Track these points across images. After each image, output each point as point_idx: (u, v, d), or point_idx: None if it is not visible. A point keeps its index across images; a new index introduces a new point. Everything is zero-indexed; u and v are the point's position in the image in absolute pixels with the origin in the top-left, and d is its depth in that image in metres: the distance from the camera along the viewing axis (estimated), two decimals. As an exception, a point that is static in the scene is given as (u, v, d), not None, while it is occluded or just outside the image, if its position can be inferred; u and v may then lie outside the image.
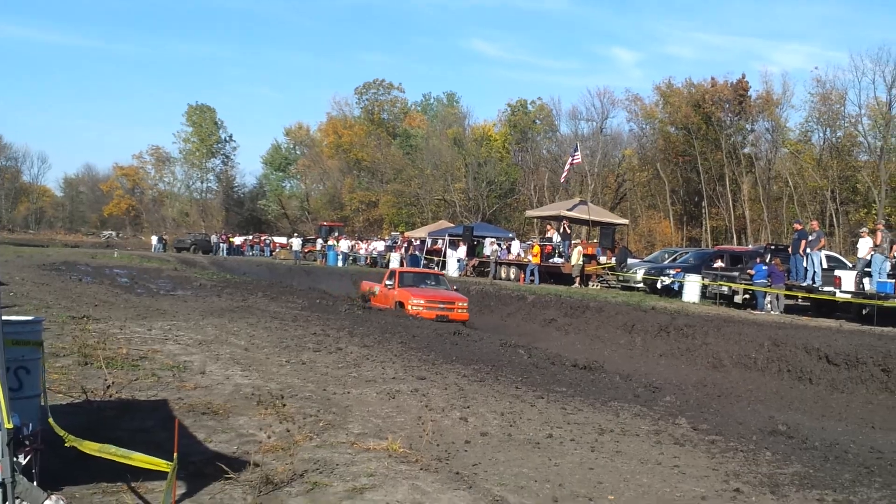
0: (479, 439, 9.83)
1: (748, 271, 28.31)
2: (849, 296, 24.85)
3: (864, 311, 24.15)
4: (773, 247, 31.24)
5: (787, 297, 26.92)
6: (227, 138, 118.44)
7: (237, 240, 78.16)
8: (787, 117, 69.56)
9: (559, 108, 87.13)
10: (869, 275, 24.41)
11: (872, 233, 25.83)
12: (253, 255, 71.27)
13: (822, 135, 58.91)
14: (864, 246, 25.89)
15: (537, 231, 60.85)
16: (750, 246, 42.00)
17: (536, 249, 39.78)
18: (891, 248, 25.12)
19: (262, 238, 78.22)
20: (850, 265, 28.06)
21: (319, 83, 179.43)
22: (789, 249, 28.08)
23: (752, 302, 27.76)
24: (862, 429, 14.35)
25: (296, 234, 73.70)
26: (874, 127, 54.14)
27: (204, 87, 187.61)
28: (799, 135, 60.62)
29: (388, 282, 29.32)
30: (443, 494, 7.37)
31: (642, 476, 8.73)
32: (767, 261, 27.27)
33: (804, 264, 26.72)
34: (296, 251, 64.07)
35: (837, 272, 26.09)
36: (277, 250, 70.74)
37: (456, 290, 29.32)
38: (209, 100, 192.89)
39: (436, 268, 47.44)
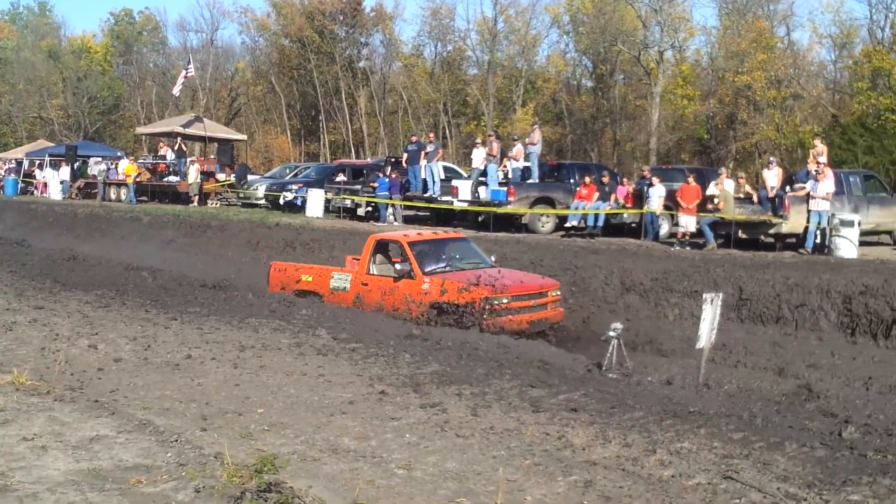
0: (114, 365, 9.52)
1: (370, 184, 29.40)
2: (466, 204, 26.73)
3: (479, 219, 26.15)
4: (393, 159, 32.63)
5: (406, 207, 28.40)
6: None
7: None
8: (401, 31, 72.24)
9: (166, 18, 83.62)
10: (483, 184, 26.39)
11: (487, 144, 27.89)
12: None
13: (433, 49, 61.98)
14: (478, 156, 27.91)
15: (147, 149, 58.60)
16: (370, 159, 43.57)
17: (130, 169, 38.83)
18: (502, 158, 27.34)
19: None
20: (466, 175, 30.10)
21: None
22: (404, 162, 29.46)
23: (374, 214, 28.93)
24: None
25: None
26: (481, 42, 57.88)
27: None
28: (412, 49, 63.29)
29: (398, 266, 15.65)
30: (84, 423, 7.10)
31: (289, 387, 8.97)
32: (388, 173, 28.46)
33: (423, 175, 28.26)
34: None
35: (454, 182, 27.92)
36: None
37: (495, 261, 16.97)
38: None
39: (37, 193, 44.22)
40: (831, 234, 20.53)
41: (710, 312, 10.34)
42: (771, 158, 25.28)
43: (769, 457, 7.01)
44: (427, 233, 18.14)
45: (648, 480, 6.42)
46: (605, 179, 25.60)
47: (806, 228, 21.08)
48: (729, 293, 16.72)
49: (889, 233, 23.85)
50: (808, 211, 21.19)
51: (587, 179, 24.72)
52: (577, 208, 24.58)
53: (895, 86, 39.16)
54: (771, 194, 22.47)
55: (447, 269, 15.84)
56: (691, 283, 17.91)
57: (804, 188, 21.71)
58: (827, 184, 20.99)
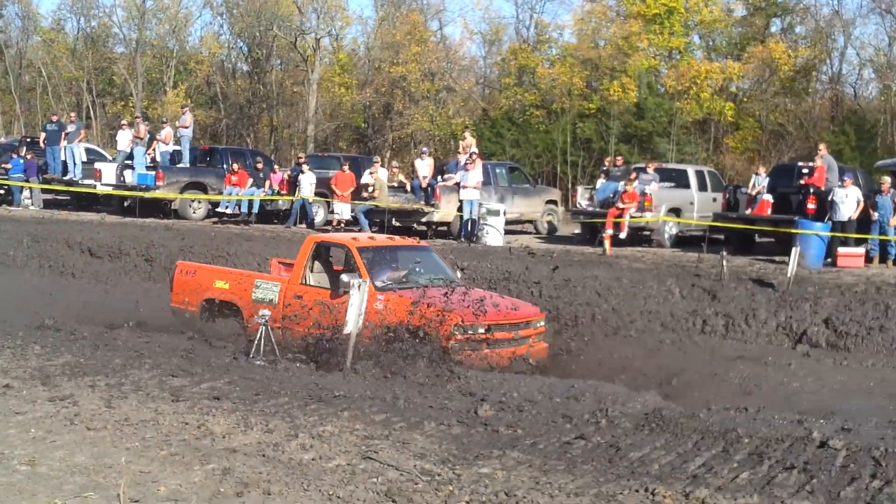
0: None
1: (3, 165, 27.24)
2: (110, 188, 25.56)
3: (126, 204, 25.12)
4: (28, 139, 30.46)
5: (45, 191, 26.69)
6: None
7: None
8: (40, 4, 67.63)
9: None
10: (130, 167, 25.34)
11: (134, 126, 26.87)
12: None
13: (76, 24, 58.55)
14: (124, 138, 26.77)
15: None
16: (3, 139, 40.37)
17: None
18: (151, 141, 26.43)
19: None
20: (111, 157, 28.75)
21: None
22: (42, 143, 27.60)
23: (7, 197, 26.90)
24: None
25: None
26: (129, 19, 55.47)
27: None
28: (52, 23, 59.40)
29: (344, 277, 12.14)
30: None
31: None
32: (23, 154, 26.56)
33: (62, 157, 26.68)
34: None
35: (98, 165, 26.59)
36: None
37: (462, 278, 14.43)
38: None
39: None
40: (479, 222, 21.75)
41: (357, 298, 10.57)
42: (423, 149, 26.33)
43: (408, 436, 7.31)
44: (381, 238, 14.88)
45: (289, 465, 6.47)
46: (260, 165, 25.47)
47: (461, 217, 22.19)
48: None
49: (532, 222, 25.68)
50: (459, 200, 22.33)
51: (235, 166, 24.48)
52: (229, 194, 24.28)
53: (539, 83, 42.14)
54: (423, 184, 23.45)
55: (405, 284, 12.86)
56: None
57: (454, 178, 22.83)
58: (475, 174, 22.19)
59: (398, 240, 14.98)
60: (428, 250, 14.52)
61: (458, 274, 14.05)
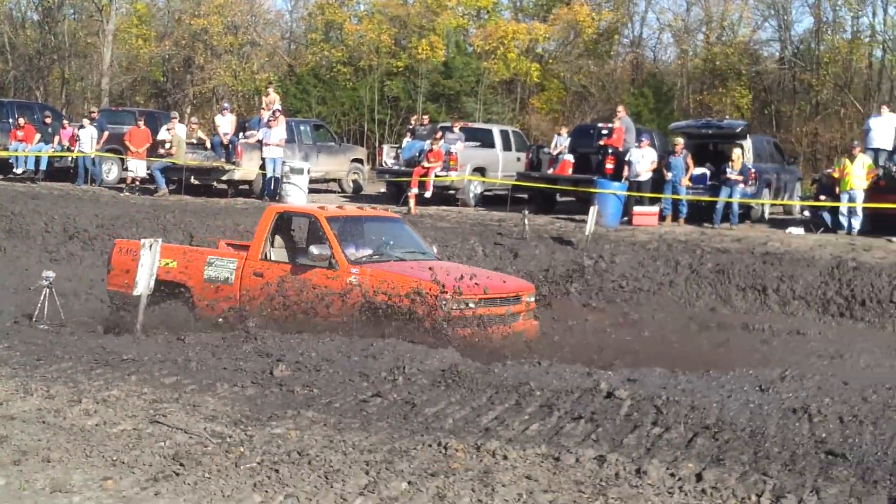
0: None
1: None
2: None
3: None
4: None
5: None
6: None
7: None
8: None
9: None
10: None
11: None
12: None
13: None
14: None
15: None
16: None
17: None
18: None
19: None
20: None
21: None
22: None
23: None
24: None
25: None
26: None
27: None
28: None
29: (314, 250, 11.41)
30: None
31: None
32: None
33: None
34: None
35: None
36: None
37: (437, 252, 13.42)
38: None
39: None
40: (282, 181, 21.46)
41: (149, 258, 10.27)
42: (225, 105, 25.79)
43: (200, 399, 7.19)
44: (350, 208, 13.79)
45: (70, 431, 6.24)
46: (48, 120, 24.24)
47: (264, 175, 21.81)
48: (179, 239, 16.79)
49: (337, 180, 25.58)
50: (262, 158, 21.97)
51: (22, 121, 23.24)
52: (15, 150, 23.03)
53: (347, 39, 41.84)
54: (224, 141, 22.93)
55: (380, 258, 11.86)
56: (140, 230, 17.66)
57: (256, 135, 22.43)
58: (279, 131, 21.86)
59: (368, 210, 14.17)
60: (399, 222, 13.65)
61: (434, 248, 13.14)
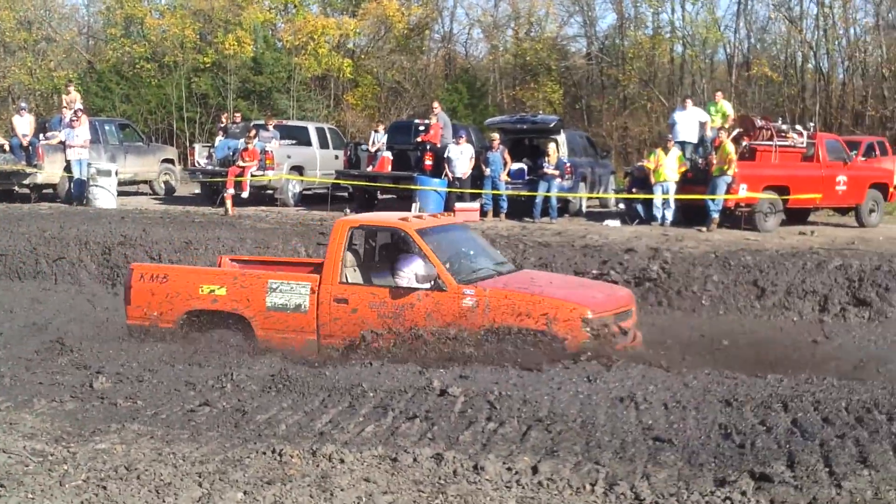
0: None
1: None
2: None
3: None
4: None
5: None
6: None
7: None
8: None
9: None
10: None
11: None
12: None
13: None
14: None
15: None
16: None
17: None
18: None
19: None
20: None
21: None
22: None
23: None
24: None
25: None
26: None
27: None
28: None
29: (420, 270, 9.94)
30: None
31: None
32: None
33: None
34: None
35: None
36: None
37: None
38: None
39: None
40: (89, 183, 20.69)
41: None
42: (22, 104, 24.57)
43: (16, 416, 6.93)
44: (427, 216, 11.70)
45: None
46: None
47: (69, 178, 21.00)
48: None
49: (147, 182, 24.88)
50: (66, 160, 21.16)
51: None
52: None
53: (149, 34, 40.64)
54: (24, 143, 21.90)
55: (484, 273, 10.43)
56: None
57: (58, 136, 21.57)
58: (82, 132, 21.09)
59: (443, 217, 12.47)
60: (467, 227, 12.42)
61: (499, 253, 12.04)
